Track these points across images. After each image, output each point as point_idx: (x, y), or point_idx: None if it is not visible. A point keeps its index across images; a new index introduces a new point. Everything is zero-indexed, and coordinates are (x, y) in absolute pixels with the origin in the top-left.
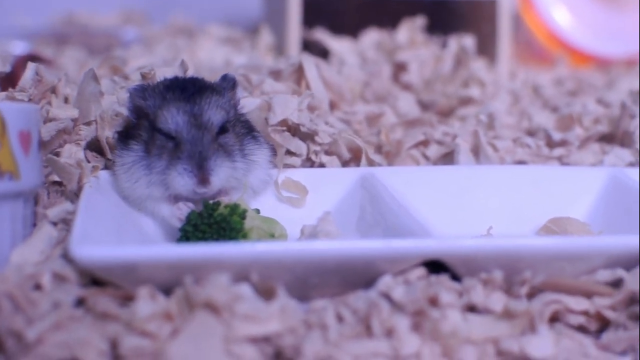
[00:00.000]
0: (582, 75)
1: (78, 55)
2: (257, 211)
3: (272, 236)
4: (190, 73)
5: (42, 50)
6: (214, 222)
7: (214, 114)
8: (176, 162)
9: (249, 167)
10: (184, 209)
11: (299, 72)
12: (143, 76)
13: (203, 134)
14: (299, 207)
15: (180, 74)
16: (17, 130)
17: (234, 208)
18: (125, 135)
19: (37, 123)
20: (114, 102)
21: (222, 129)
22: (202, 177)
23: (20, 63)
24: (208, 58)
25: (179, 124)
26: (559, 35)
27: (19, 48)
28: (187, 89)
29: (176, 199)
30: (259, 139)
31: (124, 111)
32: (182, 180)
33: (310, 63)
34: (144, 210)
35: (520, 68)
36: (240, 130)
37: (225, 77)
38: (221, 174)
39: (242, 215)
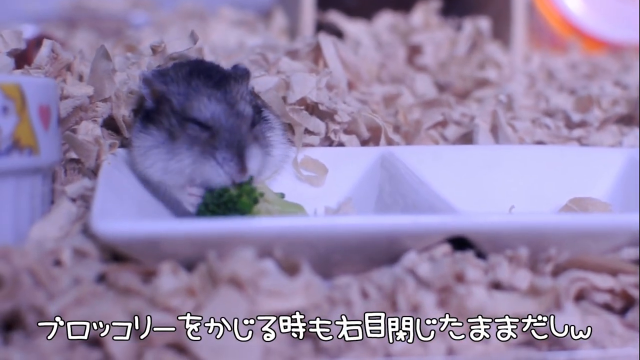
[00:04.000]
0: (596, 60)
1: (89, 38)
2: (282, 195)
3: None
4: (205, 53)
5: (52, 33)
6: (222, 202)
7: (246, 105)
8: (213, 151)
9: (270, 152)
10: (197, 193)
11: (316, 52)
12: (153, 49)
13: (240, 123)
14: (318, 186)
15: (190, 45)
16: (37, 104)
17: (246, 190)
18: (144, 117)
19: (56, 98)
20: (127, 79)
21: (254, 119)
22: (242, 166)
23: (32, 45)
24: (221, 40)
25: (215, 112)
26: (571, 21)
27: (28, 32)
28: (212, 75)
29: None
30: (270, 121)
31: (137, 89)
32: (221, 169)
33: (328, 42)
34: (157, 194)
35: (533, 53)
36: (259, 117)
37: (237, 67)
38: (257, 163)
39: (253, 197)
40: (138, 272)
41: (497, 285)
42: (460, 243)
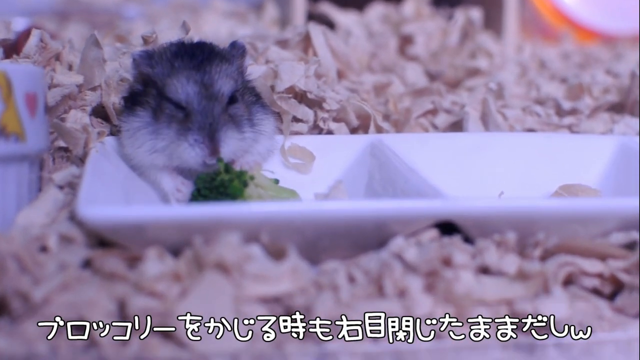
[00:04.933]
0: (588, 50)
1: (81, 30)
2: (276, 181)
3: None
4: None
5: (44, 25)
6: (214, 186)
7: (224, 84)
8: (186, 132)
9: (256, 136)
10: (184, 191)
11: (306, 41)
12: (145, 40)
13: (213, 105)
14: (305, 173)
15: (182, 35)
16: (23, 91)
17: (238, 175)
18: (131, 102)
19: (43, 86)
20: (119, 68)
21: (232, 99)
22: (213, 149)
23: (23, 37)
24: (213, 31)
25: (190, 94)
26: (564, 12)
27: (20, 24)
28: (196, 56)
29: (179, 169)
30: (265, 107)
31: (129, 77)
32: (193, 151)
33: (317, 31)
34: (147, 179)
35: (525, 43)
36: (249, 99)
37: (234, 44)
38: (231, 145)
39: (244, 182)
40: (124, 257)
41: (485, 270)
42: (447, 229)
